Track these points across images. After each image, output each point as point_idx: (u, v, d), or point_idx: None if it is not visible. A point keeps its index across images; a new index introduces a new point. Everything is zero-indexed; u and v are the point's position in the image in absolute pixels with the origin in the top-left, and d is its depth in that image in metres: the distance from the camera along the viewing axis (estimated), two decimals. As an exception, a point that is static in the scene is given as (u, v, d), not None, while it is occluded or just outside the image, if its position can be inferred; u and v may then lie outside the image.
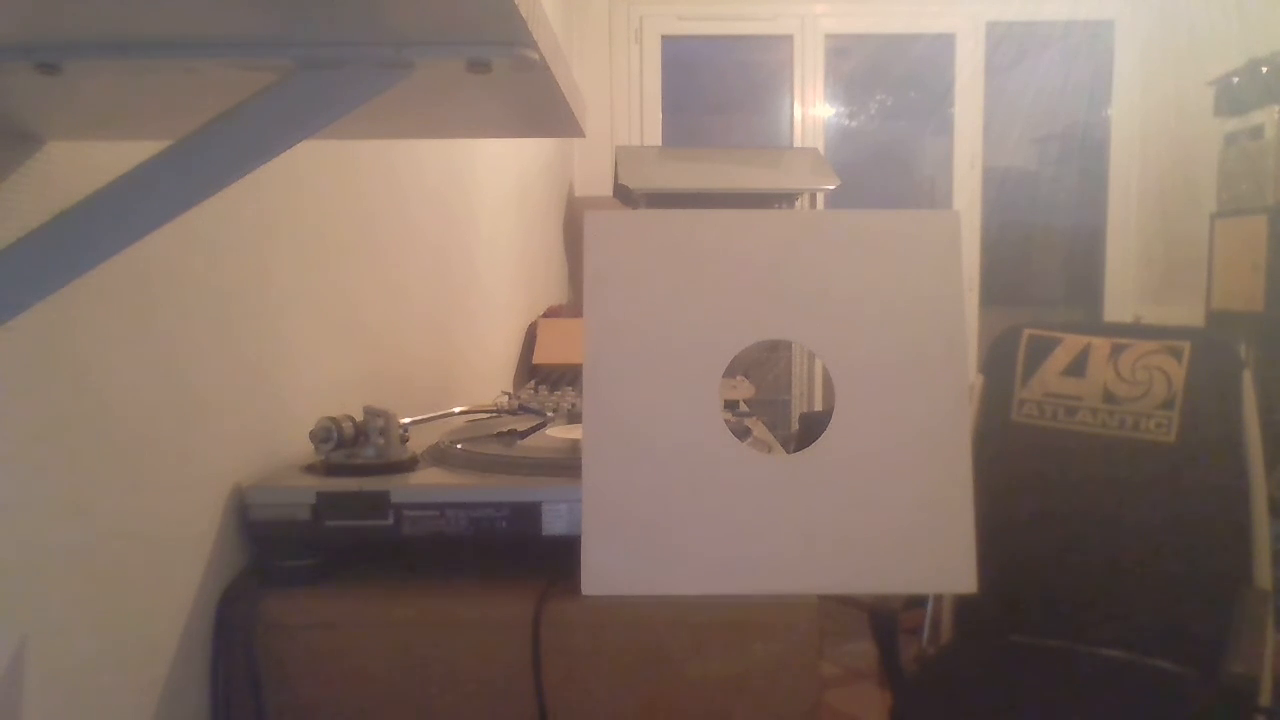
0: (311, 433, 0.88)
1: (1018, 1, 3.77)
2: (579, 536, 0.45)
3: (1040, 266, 4.16)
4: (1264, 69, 2.87)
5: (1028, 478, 1.72)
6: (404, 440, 0.92)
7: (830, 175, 3.09)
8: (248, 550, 0.86)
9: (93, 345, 0.66)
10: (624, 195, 3.06)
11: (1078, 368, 1.72)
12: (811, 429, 2.97)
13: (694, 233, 0.47)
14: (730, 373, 1.43)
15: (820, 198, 3.14)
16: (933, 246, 0.47)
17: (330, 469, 0.87)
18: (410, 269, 1.41)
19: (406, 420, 0.97)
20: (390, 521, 0.81)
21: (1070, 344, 1.74)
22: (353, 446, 0.88)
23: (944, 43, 3.83)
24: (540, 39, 0.45)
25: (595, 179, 3.75)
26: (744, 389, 1.51)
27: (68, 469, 0.63)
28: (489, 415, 1.18)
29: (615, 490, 0.46)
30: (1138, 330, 1.75)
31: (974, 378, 1.84)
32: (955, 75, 3.83)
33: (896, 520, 0.46)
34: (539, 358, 2.37)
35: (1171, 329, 1.75)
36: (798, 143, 3.85)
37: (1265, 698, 1.38)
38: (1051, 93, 3.93)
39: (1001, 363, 1.78)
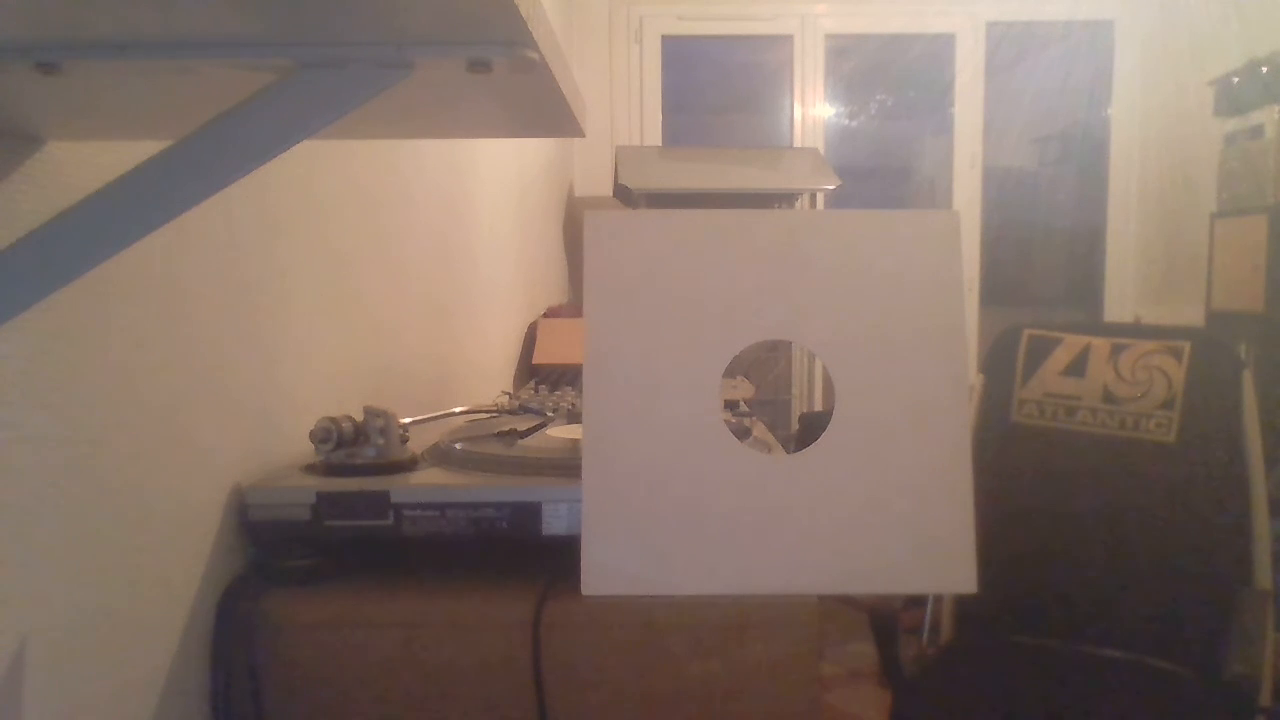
0: (311, 433, 0.88)
1: (1018, 1, 3.77)
2: (579, 536, 0.45)
3: (1040, 266, 4.16)
4: (1264, 69, 2.87)
5: (1028, 478, 1.72)
6: (404, 440, 0.92)
7: (830, 175, 3.09)
8: (248, 550, 0.86)
9: (91, 347, 0.66)
10: (624, 195, 3.06)
11: (1078, 368, 1.72)
12: (811, 429, 2.97)
13: (694, 233, 0.47)
14: (730, 373, 1.43)
15: (820, 198, 3.14)
16: (933, 247, 0.47)
17: (330, 469, 0.87)
18: (412, 269, 1.41)
19: (406, 420, 0.97)
20: (390, 521, 0.81)
21: (1070, 344, 1.74)
22: (353, 446, 0.88)
23: (944, 43, 3.83)
24: (540, 39, 0.45)
25: (595, 179, 3.75)
26: (744, 389, 1.51)
27: (67, 470, 0.63)
28: (489, 415, 1.18)
29: (615, 490, 0.46)
30: (1138, 330, 1.75)
31: (974, 378, 1.84)
32: (955, 75, 3.83)
33: (896, 520, 0.46)
34: (539, 358, 2.37)
35: (1171, 329, 1.75)
36: (798, 143, 3.85)
37: (1265, 698, 1.38)
38: (1051, 93, 3.93)
39: (1001, 363, 1.78)
